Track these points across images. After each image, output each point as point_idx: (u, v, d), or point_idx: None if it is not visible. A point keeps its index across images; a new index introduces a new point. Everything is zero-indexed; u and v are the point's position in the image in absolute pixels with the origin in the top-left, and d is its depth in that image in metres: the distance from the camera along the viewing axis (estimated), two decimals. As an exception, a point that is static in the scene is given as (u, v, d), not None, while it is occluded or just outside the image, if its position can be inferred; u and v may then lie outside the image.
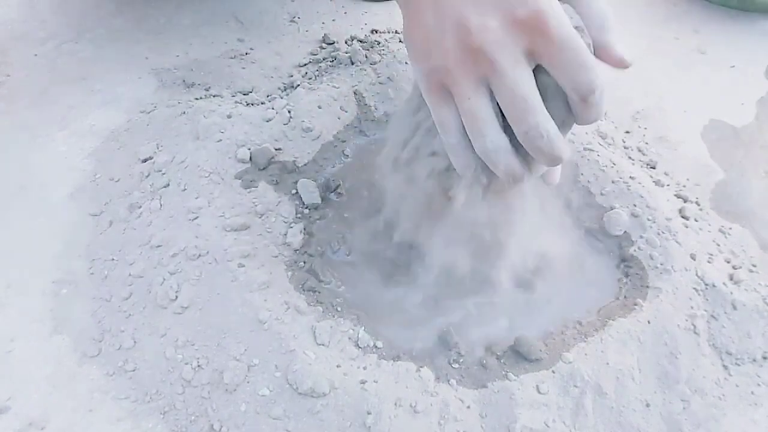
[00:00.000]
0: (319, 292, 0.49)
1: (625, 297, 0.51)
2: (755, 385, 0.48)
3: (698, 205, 0.59)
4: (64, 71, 0.69)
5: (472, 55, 0.34)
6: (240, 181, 0.54)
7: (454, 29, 0.34)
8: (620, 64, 0.35)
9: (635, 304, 0.50)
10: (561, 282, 0.52)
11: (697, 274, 0.51)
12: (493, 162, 0.37)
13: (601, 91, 0.34)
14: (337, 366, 0.43)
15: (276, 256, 0.50)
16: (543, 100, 0.34)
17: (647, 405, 0.45)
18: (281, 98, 0.63)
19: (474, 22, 0.33)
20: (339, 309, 0.49)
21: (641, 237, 0.54)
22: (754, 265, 0.54)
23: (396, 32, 0.77)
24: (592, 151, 0.60)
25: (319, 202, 0.55)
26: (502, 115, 0.36)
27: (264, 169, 0.56)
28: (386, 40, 0.73)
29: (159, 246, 0.50)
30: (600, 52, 0.35)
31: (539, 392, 0.44)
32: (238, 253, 0.48)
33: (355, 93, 0.64)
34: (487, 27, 0.33)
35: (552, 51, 0.33)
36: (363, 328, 0.47)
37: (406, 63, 0.67)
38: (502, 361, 0.46)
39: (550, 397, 0.44)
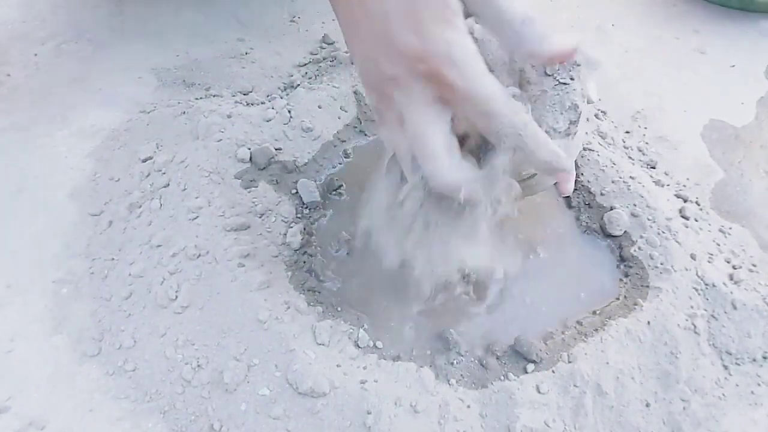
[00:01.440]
0: (319, 292, 0.49)
1: (625, 297, 0.51)
2: (755, 385, 0.47)
3: (698, 205, 0.59)
4: (64, 71, 0.69)
5: (388, 100, 0.35)
6: (240, 180, 0.54)
7: (373, 74, 0.35)
8: (564, 57, 0.33)
9: (635, 304, 0.50)
10: (561, 281, 0.52)
11: (697, 274, 0.51)
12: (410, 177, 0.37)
13: (515, 134, 0.33)
14: (337, 366, 0.43)
15: (276, 256, 0.50)
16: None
17: (647, 405, 0.45)
18: (281, 98, 0.63)
19: (387, 71, 0.34)
20: (339, 309, 0.49)
21: (641, 237, 0.54)
22: (754, 265, 0.54)
23: (396, 32, 0.76)
24: (592, 151, 0.61)
25: (320, 201, 0.55)
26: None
27: (264, 169, 0.56)
28: (386, 40, 0.72)
29: (159, 246, 0.50)
30: (534, 57, 0.34)
31: (539, 392, 0.44)
32: (238, 253, 0.48)
33: (355, 93, 0.64)
34: (396, 77, 0.34)
35: (456, 100, 0.33)
36: (363, 328, 0.47)
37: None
38: (502, 361, 0.46)
39: (550, 397, 0.44)
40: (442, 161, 0.34)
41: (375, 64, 0.35)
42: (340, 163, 0.59)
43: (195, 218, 0.51)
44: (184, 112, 0.61)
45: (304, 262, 0.51)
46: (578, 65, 0.39)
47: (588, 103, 0.43)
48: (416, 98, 0.34)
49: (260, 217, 0.52)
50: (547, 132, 0.37)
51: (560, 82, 0.39)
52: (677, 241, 0.53)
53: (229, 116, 0.59)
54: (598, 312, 0.51)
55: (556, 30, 0.33)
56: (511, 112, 0.33)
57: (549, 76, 0.39)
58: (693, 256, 0.53)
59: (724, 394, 0.46)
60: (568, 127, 0.39)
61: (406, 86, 0.34)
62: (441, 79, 0.33)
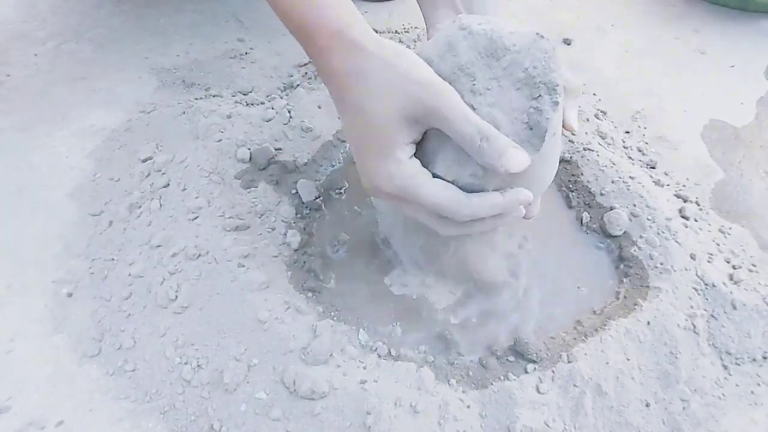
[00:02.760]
0: (319, 292, 0.49)
1: (625, 297, 0.51)
2: (755, 385, 0.47)
3: (698, 205, 0.59)
4: (64, 71, 0.69)
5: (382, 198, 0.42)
6: (240, 181, 0.54)
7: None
8: (506, 172, 0.38)
9: (635, 304, 0.50)
10: (561, 281, 0.52)
11: (697, 274, 0.51)
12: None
13: (472, 222, 0.40)
14: (337, 366, 0.43)
15: (276, 256, 0.50)
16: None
17: (647, 405, 0.45)
18: (281, 98, 0.63)
19: (367, 185, 0.42)
20: (339, 309, 0.49)
21: (641, 237, 0.54)
22: (754, 265, 0.54)
23: (396, 32, 0.77)
24: (592, 151, 0.61)
25: (320, 201, 0.55)
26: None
27: (264, 169, 0.56)
28: (386, 40, 0.73)
29: (159, 246, 0.50)
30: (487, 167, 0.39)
31: (539, 392, 0.44)
32: (238, 253, 0.48)
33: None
34: (376, 191, 0.41)
35: (420, 208, 0.40)
36: (363, 328, 0.47)
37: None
38: (502, 361, 0.46)
39: (550, 397, 0.44)
40: (461, 209, 0.39)
41: (361, 166, 0.42)
42: (339, 163, 0.59)
43: (195, 218, 0.51)
44: (184, 112, 0.61)
45: (304, 262, 0.51)
46: (556, 91, 0.38)
47: (569, 131, 0.45)
48: (404, 204, 0.41)
49: (260, 217, 0.52)
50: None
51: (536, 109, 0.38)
52: (677, 241, 0.53)
53: (229, 116, 0.59)
54: (598, 312, 0.51)
55: (510, 146, 0.37)
56: (462, 205, 0.38)
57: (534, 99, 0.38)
58: (693, 256, 0.53)
59: (723, 394, 0.46)
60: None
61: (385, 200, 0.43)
62: (400, 201, 0.40)
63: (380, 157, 0.39)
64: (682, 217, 0.56)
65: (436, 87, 0.37)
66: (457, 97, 0.37)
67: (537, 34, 0.38)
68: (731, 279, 0.52)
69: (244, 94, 0.65)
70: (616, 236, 0.55)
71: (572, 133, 0.62)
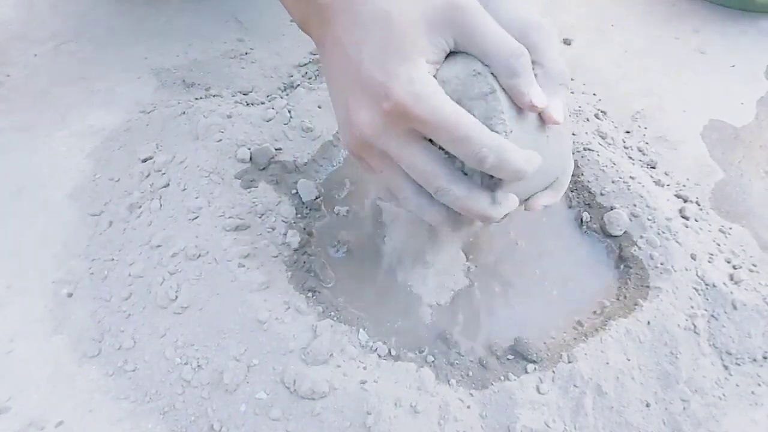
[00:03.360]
0: (319, 292, 0.49)
1: (625, 297, 0.51)
2: (755, 385, 0.47)
3: (698, 205, 0.59)
4: (64, 71, 0.69)
5: (366, 146, 0.36)
6: (240, 181, 0.54)
7: (347, 123, 0.37)
8: (532, 110, 0.35)
9: (635, 304, 0.50)
10: (561, 281, 0.52)
11: (697, 274, 0.51)
12: (421, 216, 0.39)
13: (496, 156, 0.33)
14: (337, 366, 0.43)
15: (276, 256, 0.50)
16: None
17: (647, 405, 0.45)
18: (281, 98, 0.63)
19: (357, 118, 0.35)
20: (339, 309, 0.49)
21: (641, 237, 0.54)
22: (754, 265, 0.54)
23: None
24: (592, 151, 0.61)
25: (320, 201, 0.55)
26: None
27: (264, 169, 0.56)
28: (386, 40, 0.73)
29: (159, 246, 0.50)
30: (512, 96, 0.35)
31: (539, 392, 0.44)
32: (238, 253, 0.48)
33: (355, 93, 0.64)
34: (367, 122, 0.35)
35: (428, 132, 0.34)
36: (363, 328, 0.47)
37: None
38: (502, 361, 0.46)
39: (550, 397, 0.44)
40: (448, 178, 0.35)
41: (349, 113, 0.36)
42: (339, 163, 0.59)
43: (195, 218, 0.51)
44: (184, 113, 0.61)
45: (304, 262, 0.51)
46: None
47: (549, 123, 0.39)
48: (394, 138, 0.35)
49: (260, 217, 0.52)
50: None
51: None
52: (677, 241, 0.53)
53: (229, 116, 0.59)
54: (598, 312, 0.51)
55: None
56: (482, 134, 0.33)
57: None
58: (693, 256, 0.53)
59: (724, 395, 0.46)
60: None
61: (377, 132, 0.35)
62: (409, 115, 0.33)
63: (401, 61, 0.33)
64: (683, 217, 0.56)
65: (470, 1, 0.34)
66: (487, 14, 0.34)
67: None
68: (731, 279, 0.52)
69: (244, 94, 0.65)
70: (616, 236, 0.55)
71: (573, 134, 0.61)
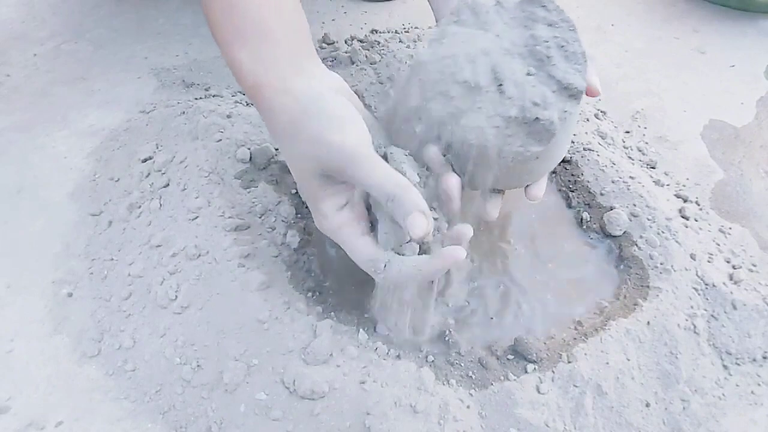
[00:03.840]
0: (319, 292, 0.49)
1: (625, 297, 0.51)
2: (755, 385, 0.47)
3: (698, 205, 0.59)
4: (64, 71, 0.69)
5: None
6: (240, 181, 0.54)
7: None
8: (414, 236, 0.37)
9: (635, 304, 0.50)
10: (561, 281, 0.52)
11: (697, 274, 0.51)
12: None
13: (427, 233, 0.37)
14: (337, 366, 0.43)
15: (276, 256, 0.50)
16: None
17: (647, 405, 0.45)
18: (281, 98, 0.63)
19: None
20: (339, 309, 0.49)
21: (641, 237, 0.54)
22: (754, 265, 0.54)
23: (396, 32, 0.77)
24: (592, 151, 0.61)
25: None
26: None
27: (264, 168, 0.56)
28: (386, 40, 0.73)
29: (159, 246, 0.50)
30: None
31: (539, 392, 0.44)
32: (238, 253, 0.48)
33: (355, 93, 0.64)
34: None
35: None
36: (363, 328, 0.47)
37: (406, 62, 0.67)
38: (502, 361, 0.46)
39: (550, 397, 0.44)
40: (378, 271, 0.39)
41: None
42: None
43: (195, 218, 0.51)
44: (184, 112, 0.61)
45: (304, 262, 0.51)
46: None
47: (593, 95, 0.44)
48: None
49: (260, 217, 0.52)
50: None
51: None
52: (677, 241, 0.53)
53: (228, 116, 0.59)
54: (598, 312, 0.51)
55: (415, 208, 0.36)
56: (375, 272, 0.39)
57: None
58: (693, 256, 0.53)
59: (724, 394, 0.46)
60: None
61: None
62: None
63: (311, 206, 0.41)
64: (682, 217, 0.56)
65: (345, 149, 0.37)
66: (368, 156, 0.37)
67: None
68: (731, 279, 0.52)
69: (243, 94, 0.65)
70: (616, 236, 0.55)
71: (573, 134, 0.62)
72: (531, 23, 0.40)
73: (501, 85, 0.39)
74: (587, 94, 0.41)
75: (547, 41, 0.40)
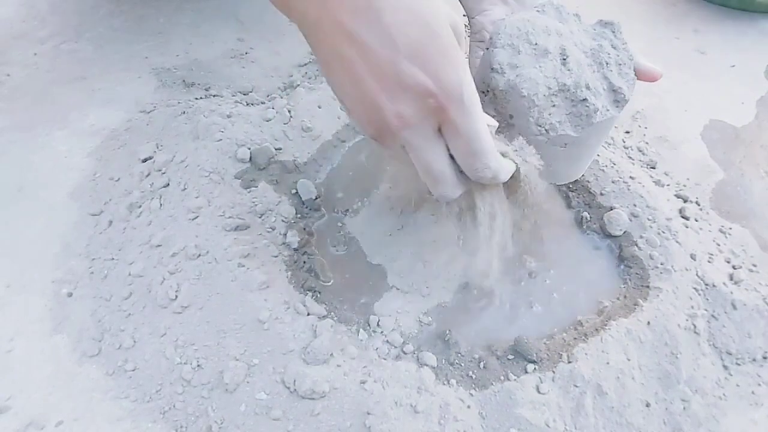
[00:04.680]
0: (319, 292, 0.49)
1: (625, 297, 0.51)
2: (755, 385, 0.47)
3: (698, 205, 0.59)
4: (64, 71, 0.69)
5: (389, 135, 0.37)
6: (240, 180, 0.54)
7: (370, 110, 0.36)
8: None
9: (635, 304, 0.50)
10: (561, 281, 0.52)
11: (697, 274, 0.51)
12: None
13: (492, 174, 0.38)
14: (337, 366, 0.43)
15: (276, 256, 0.50)
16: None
17: (647, 405, 0.45)
18: (281, 98, 0.63)
19: (385, 110, 0.35)
20: (339, 309, 0.49)
21: (641, 237, 0.54)
22: (754, 265, 0.54)
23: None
24: (593, 151, 0.61)
25: (320, 201, 0.55)
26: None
27: (264, 168, 0.56)
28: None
29: (159, 245, 0.50)
30: None
31: (539, 392, 0.44)
32: (238, 252, 0.48)
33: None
34: (400, 113, 0.35)
35: (452, 133, 0.36)
36: (363, 328, 0.47)
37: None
38: (502, 361, 0.46)
39: (550, 397, 0.44)
40: (446, 185, 0.38)
41: (374, 102, 0.35)
42: (339, 163, 0.59)
43: (195, 218, 0.51)
44: (184, 112, 0.61)
45: (304, 262, 0.51)
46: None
47: (654, 79, 0.47)
48: (420, 133, 0.36)
49: (260, 217, 0.52)
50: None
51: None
52: (677, 241, 0.53)
53: (229, 116, 0.59)
54: (598, 312, 0.51)
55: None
56: (494, 157, 0.37)
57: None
58: (693, 256, 0.53)
59: (724, 395, 0.46)
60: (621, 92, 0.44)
61: (411, 123, 0.36)
62: (446, 115, 0.35)
63: (445, 59, 0.34)
64: (683, 217, 0.56)
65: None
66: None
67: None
68: (731, 279, 0.52)
69: (244, 94, 0.65)
70: (616, 236, 0.55)
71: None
72: (600, 38, 0.45)
73: (566, 58, 0.42)
74: (649, 78, 0.46)
75: (609, 54, 0.44)
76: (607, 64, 0.43)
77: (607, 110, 0.43)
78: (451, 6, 0.37)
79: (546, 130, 0.42)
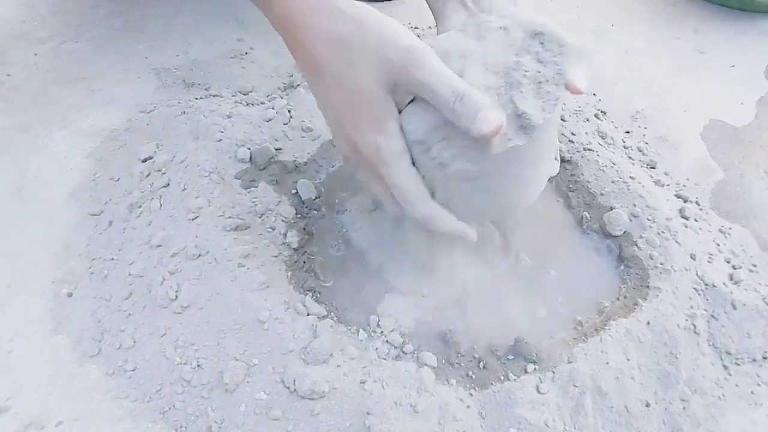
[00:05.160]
0: (319, 292, 0.49)
1: (625, 297, 0.51)
2: (755, 385, 0.48)
3: (698, 205, 0.59)
4: (64, 71, 0.69)
5: (356, 158, 0.42)
6: (240, 180, 0.54)
7: (340, 140, 0.43)
8: (484, 139, 0.36)
9: (635, 304, 0.50)
10: (561, 281, 0.52)
11: (697, 274, 0.51)
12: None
13: (423, 220, 0.41)
14: (337, 366, 0.43)
15: (276, 256, 0.50)
16: None
17: (647, 405, 0.45)
18: (281, 98, 0.63)
19: (339, 147, 0.44)
20: (339, 309, 0.49)
21: (641, 237, 0.54)
22: (754, 265, 0.54)
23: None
24: (592, 151, 0.61)
25: (320, 201, 0.55)
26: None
27: (264, 169, 0.56)
28: (386, 40, 0.72)
29: (159, 246, 0.50)
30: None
31: (539, 392, 0.44)
32: (238, 253, 0.48)
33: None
34: (346, 156, 0.43)
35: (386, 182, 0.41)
36: (363, 328, 0.47)
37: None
38: (502, 361, 0.46)
39: (550, 397, 0.44)
40: (418, 206, 0.41)
41: (338, 124, 0.42)
42: (339, 163, 0.59)
43: (195, 218, 0.51)
44: (184, 112, 0.61)
45: (304, 262, 0.51)
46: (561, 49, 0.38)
47: (573, 92, 0.39)
48: (363, 172, 0.43)
49: (260, 217, 0.52)
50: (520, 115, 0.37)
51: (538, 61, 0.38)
52: (677, 241, 0.53)
53: (229, 116, 0.59)
54: (598, 312, 0.51)
55: (485, 105, 0.35)
56: (421, 209, 0.41)
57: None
58: (693, 256, 0.53)
59: (723, 395, 0.46)
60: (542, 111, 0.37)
61: (353, 162, 0.43)
62: (374, 170, 0.41)
63: (371, 128, 0.39)
64: (682, 217, 0.56)
65: (416, 48, 0.36)
66: (433, 58, 0.37)
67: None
68: (731, 279, 0.52)
69: (244, 94, 0.65)
70: (616, 236, 0.55)
71: (573, 134, 0.62)
72: (523, 53, 0.39)
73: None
74: (570, 90, 0.38)
75: (527, 72, 0.38)
76: (519, 84, 0.37)
77: (509, 139, 0.36)
78: (402, 33, 0.37)
79: (439, 163, 0.39)
